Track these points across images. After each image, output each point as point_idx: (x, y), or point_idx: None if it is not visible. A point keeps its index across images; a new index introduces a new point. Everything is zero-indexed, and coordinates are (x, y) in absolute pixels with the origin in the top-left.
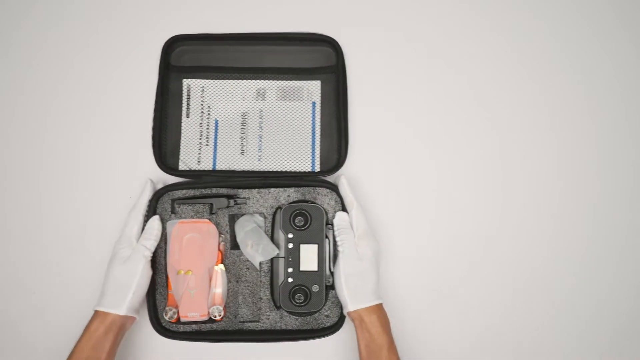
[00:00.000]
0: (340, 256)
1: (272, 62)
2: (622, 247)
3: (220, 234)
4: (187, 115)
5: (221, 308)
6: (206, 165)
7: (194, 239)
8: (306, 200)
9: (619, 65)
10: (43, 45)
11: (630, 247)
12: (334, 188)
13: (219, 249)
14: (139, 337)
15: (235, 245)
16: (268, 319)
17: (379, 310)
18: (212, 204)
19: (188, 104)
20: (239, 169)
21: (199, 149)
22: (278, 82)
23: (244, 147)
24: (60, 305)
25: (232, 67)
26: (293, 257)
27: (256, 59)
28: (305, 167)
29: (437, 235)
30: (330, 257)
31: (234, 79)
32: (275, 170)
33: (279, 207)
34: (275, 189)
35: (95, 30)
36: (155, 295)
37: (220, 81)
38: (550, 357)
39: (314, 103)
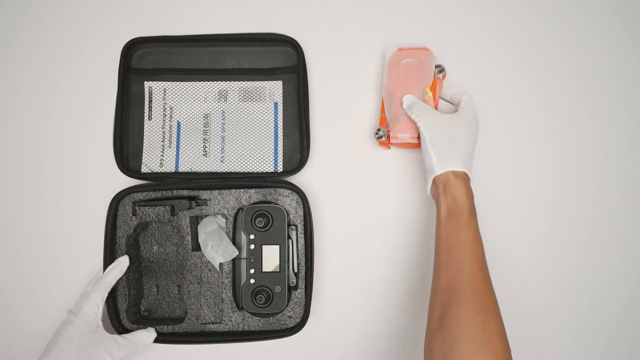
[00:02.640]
0: (422, 129)
1: (233, 63)
2: (620, 247)
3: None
4: (149, 118)
5: None
6: (168, 167)
7: (412, 64)
8: (268, 202)
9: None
10: None
11: (627, 247)
12: (295, 189)
13: (434, 77)
14: None
15: (197, 247)
16: (230, 320)
17: (466, 178)
18: (173, 206)
19: (150, 107)
20: (202, 171)
21: (162, 152)
22: (240, 83)
23: (207, 149)
24: (60, 305)
25: (194, 68)
26: (255, 258)
27: (217, 60)
28: (268, 167)
29: (409, 233)
30: (292, 257)
31: (195, 81)
32: (238, 171)
33: (241, 209)
34: (236, 190)
35: (53, 34)
36: (116, 295)
37: (182, 83)
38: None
39: (275, 103)
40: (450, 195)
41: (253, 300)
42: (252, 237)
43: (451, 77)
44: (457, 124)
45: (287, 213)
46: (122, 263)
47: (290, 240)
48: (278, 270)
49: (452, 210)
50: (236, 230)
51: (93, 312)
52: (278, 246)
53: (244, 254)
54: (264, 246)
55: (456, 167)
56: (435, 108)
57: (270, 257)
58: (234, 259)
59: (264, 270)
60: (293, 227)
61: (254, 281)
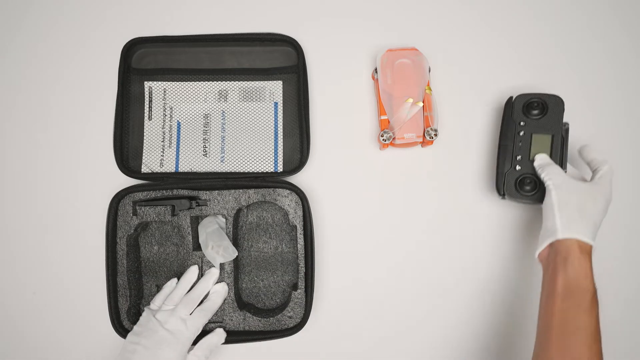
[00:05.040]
0: (552, 188)
1: (233, 63)
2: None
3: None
4: (150, 118)
5: (435, 129)
6: (169, 167)
7: (405, 65)
8: (540, 94)
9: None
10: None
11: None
12: (294, 189)
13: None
14: (101, 339)
15: (198, 247)
16: (231, 320)
17: (590, 252)
18: (173, 206)
19: (150, 107)
20: (202, 171)
21: (162, 152)
22: (240, 82)
23: (207, 149)
24: (60, 305)
25: (194, 68)
26: (524, 146)
27: (217, 60)
28: (268, 167)
29: (409, 233)
30: (563, 152)
31: (195, 81)
32: (238, 171)
33: (511, 97)
34: (236, 190)
35: (53, 34)
36: (117, 296)
37: (182, 83)
38: None
39: (276, 103)
40: (573, 270)
41: (517, 188)
42: (522, 124)
43: (589, 138)
44: (590, 193)
45: (562, 102)
46: (223, 289)
47: (562, 136)
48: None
49: (572, 288)
50: (238, 230)
51: (193, 336)
52: (551, 135)
53: (509, 142)
54: (534, 135)
55: (584, 236)
56: (428, 125)
57: (541, 146)
58: (501, 144)
59: (531, 159)
60: (292, 227)
61: (519, 168)
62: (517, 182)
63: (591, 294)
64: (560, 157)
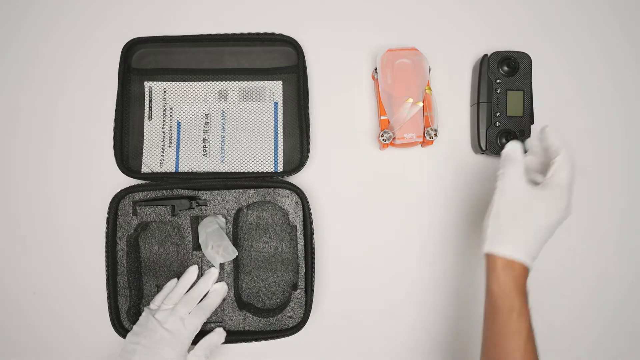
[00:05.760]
0: (496, 191)
1: (233, 63)
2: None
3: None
4: (150, 118)
5: (435, 129)
6: (169, 167)
7: (405, 65)
8: (510, 51)
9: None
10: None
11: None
12: (294, 189)
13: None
14: (101, 339)
15: (198, 247)
16: (231, 320)
17: (520, 270)
18: (174, 206)
19: (150, 107)
20: (202, 171)
21: (162, 152)
22: (240, 82)
23: (207, 149)
24: (60, 305)
25: (194, 68)
26: (500, 103)
27: (217, 60)
28: (268, 167)
29: (409, 233)
30: (532, 106)
31: (195, 81)
32: (238, 171)
33: (485, 55)
34: (235, 190)
35: (53, 34)
36: (117, 296)
37: (182, 83)
38: None
39: (276, 103)
40: (497, 285)
41: (497, 142)
42: (498, 81)
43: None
44: (535, 197)
45: (530, 59)
46: (222, 288)
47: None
48: (521, 114)
49: (495, 306)
50: (238, 230)
51: (191, 335)
52: (522, 91)
53: (485, 99)
54: (508, 91)
55: (509, 252)
56: (428, 125)
57: (515, 102)
58: (477, 103)
59: (508, 114)
60: (292, 227)
61: (499, 124)
62: (498, 137)
63: (516, 312)
64: (530, 112)
